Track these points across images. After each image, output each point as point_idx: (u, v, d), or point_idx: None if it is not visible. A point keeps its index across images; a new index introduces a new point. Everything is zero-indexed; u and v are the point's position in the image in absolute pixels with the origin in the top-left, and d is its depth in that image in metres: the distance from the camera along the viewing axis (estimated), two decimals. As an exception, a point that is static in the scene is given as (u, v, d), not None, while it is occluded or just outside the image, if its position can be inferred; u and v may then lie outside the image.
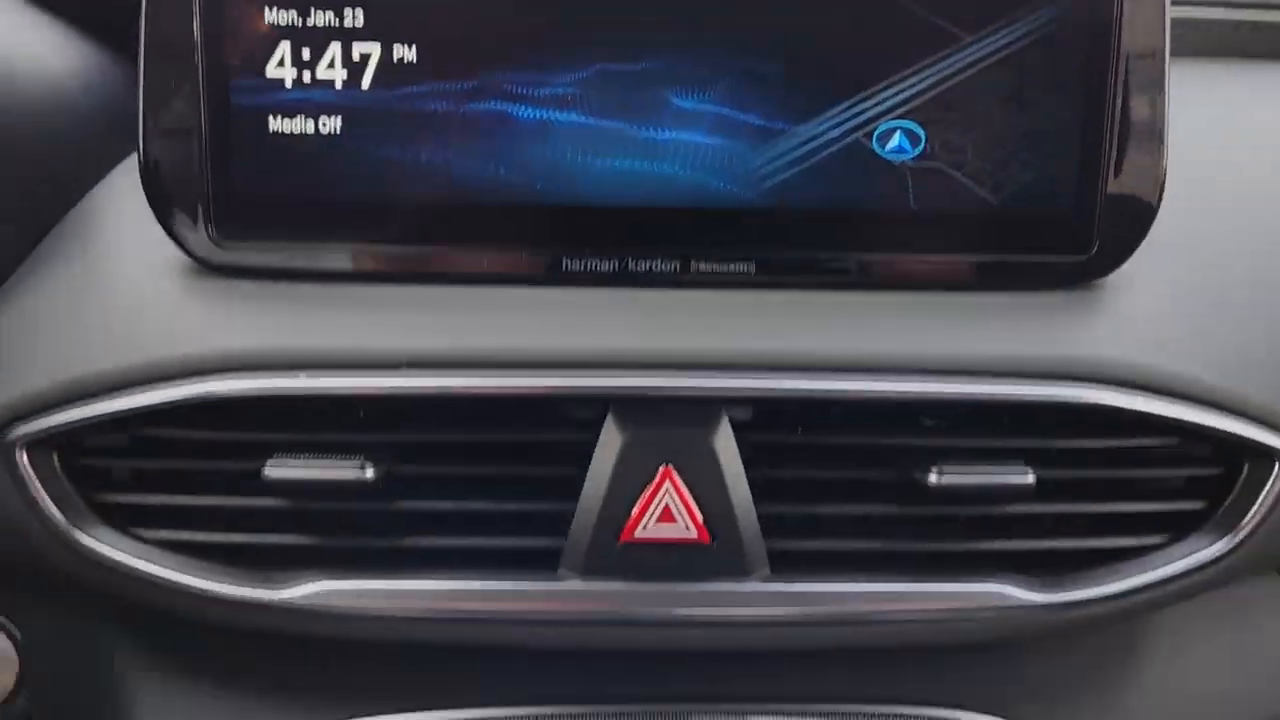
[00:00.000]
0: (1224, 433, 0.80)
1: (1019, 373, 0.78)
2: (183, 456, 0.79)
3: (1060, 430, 0.81)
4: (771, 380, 0.76)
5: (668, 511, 0.77)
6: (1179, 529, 0.83)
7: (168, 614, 0.82)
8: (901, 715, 0.84)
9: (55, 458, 0.77)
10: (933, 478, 0.78)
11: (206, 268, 0.81)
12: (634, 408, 0.77)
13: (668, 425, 0.77)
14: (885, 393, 0.77)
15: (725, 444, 0.77)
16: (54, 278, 0.83)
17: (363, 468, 0.76)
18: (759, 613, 0.79)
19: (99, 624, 0.86)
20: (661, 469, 0.77)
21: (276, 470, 0.76)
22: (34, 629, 0.88)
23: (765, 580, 0.79)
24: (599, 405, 0.77)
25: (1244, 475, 0.82)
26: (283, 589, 0.78)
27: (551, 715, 0.82)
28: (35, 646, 0.88)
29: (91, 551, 0.78)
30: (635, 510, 0.77)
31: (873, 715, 0.84)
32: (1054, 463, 0.81)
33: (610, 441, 0.77)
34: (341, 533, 0.80)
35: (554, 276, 0.81)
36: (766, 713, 0.83)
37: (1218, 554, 0.82)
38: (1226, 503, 0.82)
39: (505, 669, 0.84)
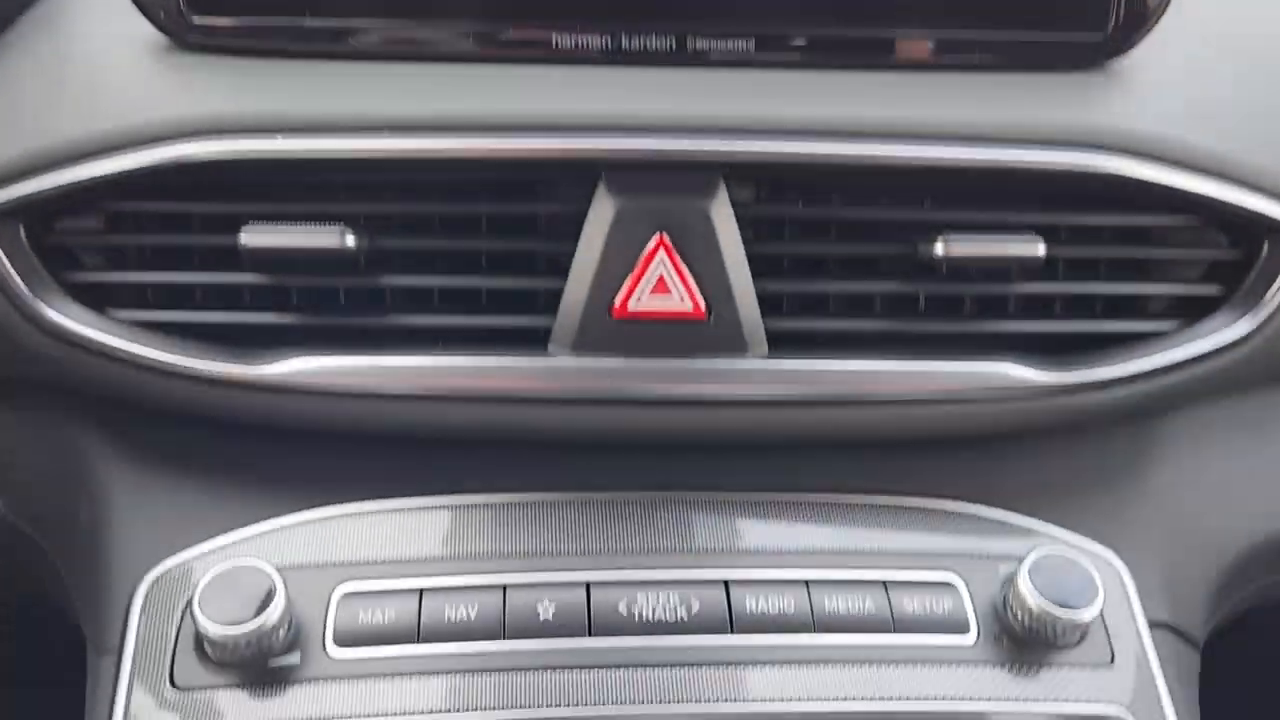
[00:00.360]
0: (1241, 208, 0.76)
1: (1031, 139, 0.74)
2: (156, 232, 0.76)
3: (1072, 206, 0.78)
4: (772, 143, 0.73)
5: (662, 283, 0.74)
6: (1194, 315, 0.80)
7: (141, 407, 0.80)
8: (902, 507, 0.81)
9: (21, 230, 0.74)
10: (939, 248, 0.74)
11: (178, 42, 0.78)
12: (627, 175, 0.73)
13: (662, 193, 0.74)
14: (891, 158, 0.73)
15: (723, 214, 0.74)
16: (24, 54, 0.80)
17: (343, 236, 0.73)
18: (756, 391, 0.76)
19: (75, 425, 0.83)
20: (655, 238, 0.73)
21: (253, 238, 0.73)
22: (9, 433, 0.85)
23: (763, 358, 0.76)
24: (589, 175, 0.74)
25: (1264, 255, 0.78)
26: (262, 365, 0.75)
27: (537, 502, 0.79)
28: (11, 450, 0.85)
29: (60, 328, 0.75)
30: (628, 281, 0.74)
31: (871, 506, 0.81)
32: (1065, 240, 0.78)
33: (602, 210, 0.73)
34: (323, 311, 0.77)
35: (542, 54, 0.77)
36: (761, 503, 0.80)
37: (1235, 338, 0.79)
38: (1245, 284, 0.79)
39: (489, 461, 0.81)
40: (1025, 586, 0.73)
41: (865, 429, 0.79)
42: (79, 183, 0.73)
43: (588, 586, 0.74)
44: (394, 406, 0.76)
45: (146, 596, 0.74)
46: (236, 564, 0.71)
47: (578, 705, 0.69)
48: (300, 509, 0.78)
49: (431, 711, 0.69)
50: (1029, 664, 0.74)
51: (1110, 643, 0.76)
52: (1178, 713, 0.74)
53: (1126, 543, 0.82)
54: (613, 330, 0.75)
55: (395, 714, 0.69)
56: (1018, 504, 0.83)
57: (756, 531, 0.79)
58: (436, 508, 0.79)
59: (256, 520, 0.78)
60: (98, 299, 0.77)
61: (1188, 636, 0.81)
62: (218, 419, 0.79)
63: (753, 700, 0.70)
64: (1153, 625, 0.78)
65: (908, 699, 0.71)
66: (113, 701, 0.70)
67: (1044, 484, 0.84)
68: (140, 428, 0.82)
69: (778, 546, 0.78)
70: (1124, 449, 0.87)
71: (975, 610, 0.76)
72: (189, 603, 0.70)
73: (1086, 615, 0.72)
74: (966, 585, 0.77)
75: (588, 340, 0.75)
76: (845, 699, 0.71)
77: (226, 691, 0.70)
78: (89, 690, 0.75)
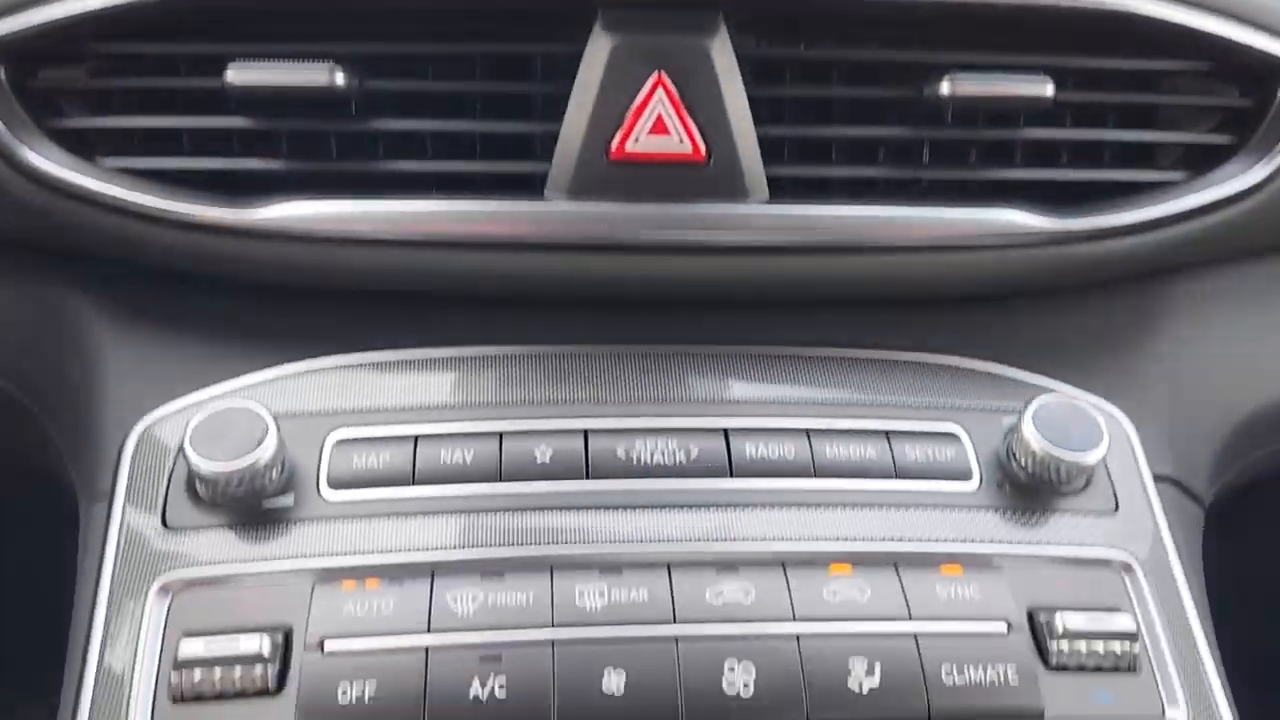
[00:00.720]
0: (1252, 49, 0.74)
1: None
2: (140, 75, 0.74)
3: (1081, 49, 0.75)
4: None
5: (660, 123, 0.72)
6: (1205, 165, 0.78)
7: (130, 263, 0.78)
8: (905, 362, 0.80)
9: (2, 73, 0.72)
10: (945, 87, 0.73)
11: None
12: (623, 12, 0.71)
13: (660, 31, 0.71)
14: None
15: (723, 54, 0.72)
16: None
17: (332, 73, 0.71)
18: (756, 237, 0.75)
19: (63, 286, 0.81)
20: (653, 76, 0.71)
21: (240, 75, 0.71)
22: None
23: (763, 204, 0.74)
24: (585, 13, 0.72)
25: (1276, 102, 0.77)
26: (253, 210, 0.74)
27: (534, 354, 0.77)
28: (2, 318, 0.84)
29: (45, 174, 0.73)
30: (626, 121, 0.72)
31: (874, 360, 0.79)
32: (1073, 85, 0.76)
33: (598, 49, 0.71)
34: (314, 157, 0.75)
35: None
36: (761, 356, 0.79)
37: (1246, 186, 0.77)
38: (1258, 132, 0.77)
39: (486, 317, 0.79)
40: (1029, 430, 0.72)
41: (867, 279, 0.78)
42: (58, 20, 0.71)
43: (585, 433, 0.73)
44: (387, 253, 0.75)
45: (138, 442, 0.73)
46: (229, 405, 0.70)
47: (575, 544, 0.68)
48: (293, 361, 0.77)
49: (427, 549, 0.68)
50: (1032, 510, 0.73)
51: (1114, 492, 0.75)
52: (1181, 561, 0.73)
53: (1131, 400, 0.81)
54: (610, 173, 0.73)
55: (391, 551, 0.68)
56: (1022, 361, 0.81)
57: (757, 383, 0.77)
58: (432, 359, 0.77)
59: (248, 371, 0.77)
60: (84, 146, 0.75)
61: (1192, 493, 0.80)
62: (207, 272, 0.78)
63: (752, 540, 0.69)
64: (1157, 479, 0.77)
65: (909, 540, 0.70)
66: (104, 544, 0.69)
67: (1049, 343, 0.83)
68: (130, 286, 0.80)
69: (778, 397, 0.77)
70: (1130, 312, 0.85)
71: (978, 459, 0.75)
72: (181, 443, 0.68)
73: (1090, 458, 0.71)
74: (969, 435, 0.76)
75: (584, 184, 0.73)
76: (846, 539, 0.70)
77: (219, 531, 0.69)
78: (80, 539, 0.74)
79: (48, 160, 0.73)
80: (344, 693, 0.62)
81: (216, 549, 0.68)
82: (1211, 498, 0.84)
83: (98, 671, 0.64)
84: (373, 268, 0.76)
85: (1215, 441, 0.83)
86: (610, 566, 0.67)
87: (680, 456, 0.72)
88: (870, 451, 0.74)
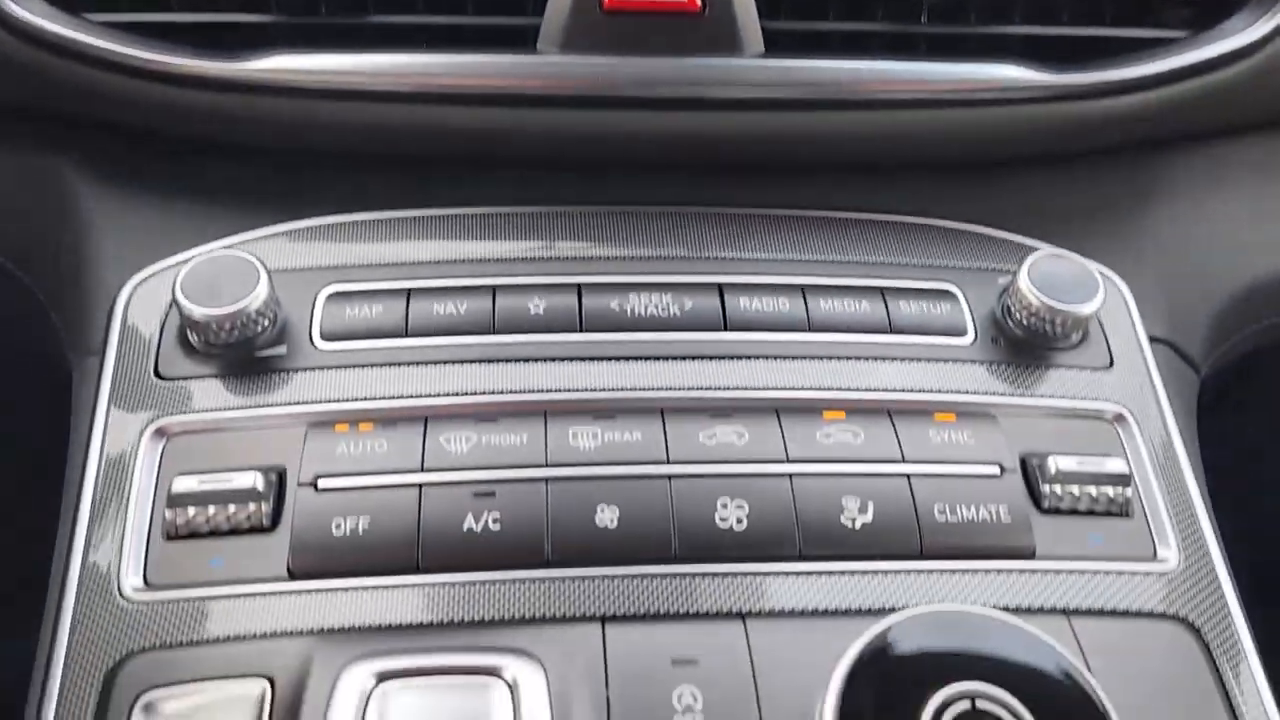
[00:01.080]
0: None
1: None
2: None
3: None
4: None
5: (655, -30, 0.71)
6: (1205, 22, 0.77)
7: (119, 124, 0.77)
8: (902, 223, 0.79)
9: None
10: (943, -63, 0.72)
11: None
12: None
13: None
14: None
15: None
16: None
17: None
18: (750, 92, 0.74)
19: (52, 152, 0.80)
20: None
21: None
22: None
23: (759, 58, 0.73)
24: None
25: (1279, -45, 0.76)
26: (242, 62, 0.73)
27: (527, 213, 0.77)
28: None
29: (30, 27, 0.72)
30: (620, -31, 0.71)
31: (870, 222, 0.79)
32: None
33: (591, -104, 0.70)
34: (303, 10, 0.74)
35: None
36: (756, 216, 0.78)
37: (1248, 42, 0.76)
38: (1261, -13, 0.76)
39: (477, 180, 0.79)
40: (1025, 283, 0.71)
41: (863, 138, 0.77)
42: None
43: (579, 287, 0.73)
44: (377, 109, 0.74)
45: (130, 298, 0.73)
46: (220, 253, 0.69)
47: (569, 391, 0.68)
48: (284, 221, 0.77)
49: (420, 395, 0.68)
50: (1027, 365, 0.72)
51: (1109, 349, 0.75)
52: (1175, 416, 0.73)
53: (1128, 265, 0.80)
54: (603, 25, 0.72)
55: (384, 399, 0.68)
56: (1019, 227, 0.81)
57: (751, 241, 0.77)
58: (425, 218, 0.77)
59: (240, 231, 0.76)
60: (69, 1, 0.74)
61: (1186, 356, 0.80)
62: (195, 134, 0.77)
63: (745, 389, 0.69)
64: (1152, 340, 0.77)
65: (903, 390, 0.70)
66: (96, 394, 0.69)
67: (1047, 211, 0.82)
68: (120, 151, 0.79)
69: (773, 255, 0.76)
70: (1129, 183, 0.85)
71: (973, 316, 0.74)
72: (173, 294, 0.68)
73: (1086, 309, 0.71)
74: (964, 293, 0.75)
75: (577, 36, 0.72)
76: (840, 389, 0.69)
77: (212, 380, 0.69)
78: (74, 397, 0.74)
79: (32, 14, 0.72)
80: (338, 527, 0.62)
81: (210, 396, 0.68)
82: (1208, 369, 0.84)
83: (91, 512, 0.64)
84: (362, 124, 0.75)
85: (1211, 310, 0.83)
86: (604, 412, 0.67)
87: (674, 310, 0.72)
88: (865, 307, 0.73)
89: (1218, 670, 0.62)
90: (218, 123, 0.76)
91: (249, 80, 0.73)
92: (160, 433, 0.67)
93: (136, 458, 0.65)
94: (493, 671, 0.57)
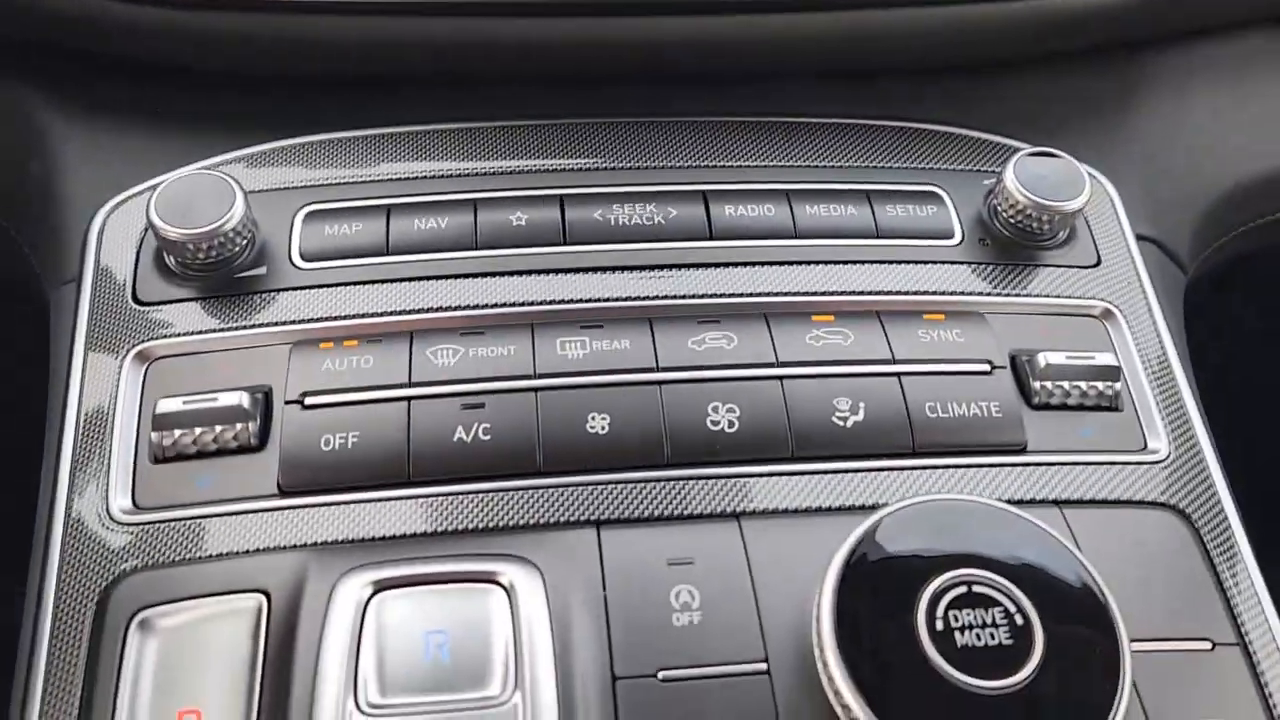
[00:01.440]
0: None
1: None
2: None
3: None
4: None
5: None
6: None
7: (86, 57, 0.75)
8: (887, 127, 0.78)
9: None
10: None
11: None
12: None
13: None
14: None
15: None
16: None
17: None
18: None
19: (18, 84, 0.78)
20: None
21: None
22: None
23: None
24: None
25: None
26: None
27: (506, 127, 0.75)
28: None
29: None
30: None
31: (854, 125, 0.78)
32: None
33: None
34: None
35: None
36: (739, 123, 0.77)
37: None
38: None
39: (452, 97, 0.77)
40: (1012, 182, 0.71)
41: (844, 38, 0.76)
42: None
43: (561, 199, 0.72)
44: (355, 21, 0.72)
45: (104, 223, 0.71)
46: (193, 173, 0.68)
47: (555, 303, 0.67)
48: (257, 144, 0.75)
49: (404, 312, 0.67)
50: (1015, 264, 0.72)
51: (1095, 247, 0.74)
52: (1163, 311, 0.73)
53: (1114, 165, 0.80)
54: None
55: (367, 316, 0.67)
56: (1005, 130, 0.80)
57: (735, 149, 0.76)
58: (400, 134, 0.75)
59: (212, 155, 0.75)
60: None
61: (1173, 255, 0.79)
62: (166, 57, 0.75)
63: (733, 295, 0.68)
64: (1139, 238, 0.77)
65: (891, 293, 0.69)
66: (74, 322, 0.68)
67: (1032, 114, 0.81)
68: (88, 80, 0.77)
69: (757, 162, 0.75)
70: (1114, 84, 0.84)
71: (960, 218, 0.74)
72: (147, 217, 0.67)
73: (1072, 205, 0.70)
74: (951, 195, 0.75)
75: None
76: (828, 293, 0.69)
77: (191, 304, 0.67)
78: (51, 327, 0.72)
79: None
80: (327, 443, 0.61)
81: (189, 319, 0.67)
82: (1195, 270, 0.84)
83: (75, 439, 0.63)
84: (341, 34, 0.73)
85: (1197, 209, 0.83)
86: (591, 322, 0.67)
87: (659, 219, 0.71)
88: (851, 210, 0.73)
89: (1209, 555, 0.62)
90: (187, 43, 0.74)
91: (218, -7, 0.71)
92: (142, 357, 0.66)
93: (119, 383, 0.64)
94: (489, 578, 0.57)
